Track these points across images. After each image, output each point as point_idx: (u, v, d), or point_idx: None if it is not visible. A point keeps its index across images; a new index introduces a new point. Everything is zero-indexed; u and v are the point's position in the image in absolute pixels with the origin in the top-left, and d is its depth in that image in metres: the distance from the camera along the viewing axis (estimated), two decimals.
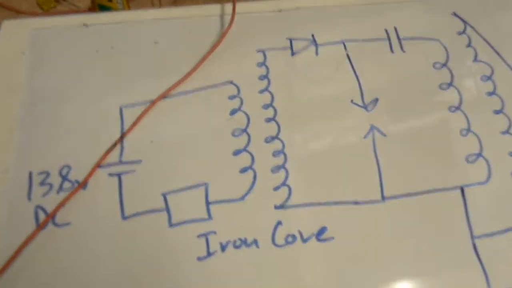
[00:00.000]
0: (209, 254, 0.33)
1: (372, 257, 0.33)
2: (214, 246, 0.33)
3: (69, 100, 0.38)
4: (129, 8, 0.79)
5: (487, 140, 0.38)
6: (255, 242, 0.33)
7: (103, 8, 0.76)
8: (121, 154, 0.36)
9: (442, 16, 0.45)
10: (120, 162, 0.36)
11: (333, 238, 0.34)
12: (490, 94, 0.41)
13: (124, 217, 0.34)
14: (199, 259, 0.32)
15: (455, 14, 0.45)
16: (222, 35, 0.41)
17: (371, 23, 0.44)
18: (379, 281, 0.33)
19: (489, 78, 0.42)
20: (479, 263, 0.34)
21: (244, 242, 0.33)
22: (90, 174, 0.35)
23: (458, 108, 0.40)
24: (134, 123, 0.37)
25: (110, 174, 0.35)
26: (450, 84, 0.41)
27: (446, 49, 0.43)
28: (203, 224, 0.34)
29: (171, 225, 0.33)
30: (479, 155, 0.38)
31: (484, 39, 0.44)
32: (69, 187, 0.35)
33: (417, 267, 0.33)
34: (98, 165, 0.35)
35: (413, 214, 0.35)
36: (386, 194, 0.36)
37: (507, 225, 0.35)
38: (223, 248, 0.33)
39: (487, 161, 0.38)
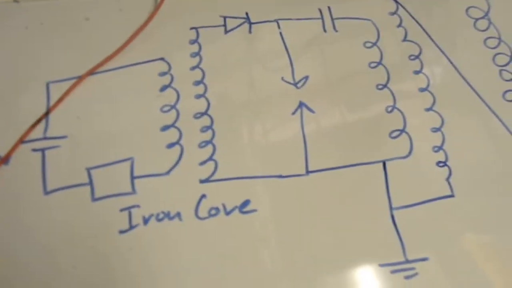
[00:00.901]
0: (131, 227, 0.33)
1: (294, 228, 0.34)
2: (137, 219, 0.33)
3: None
4: None
5: (411, 116, 0.40)
6: (178, 215, 0.34)
7: None
8: (45, 129, 0.36)
9: None
10: (45, 138, 0.35)
11: (256, 210, 0.34)
12: (417, 72, 0.42)
13: (46, 192, 0.33)
14: (120, 232, 0.33)
15: None
16: (154, 11, 0.41)
17: (305, 2, 0.44)
18: (299, 251, 0.34)
19: (417, 57, 0.43)
20: (396, 233, 0.35)
21: (167, 215, 0.33)
22: (12, 149, 0.34)
23: (385, 86, 0.41)
24: (60, 99, 0.37)
25: (34, 150, 0.35)
26: (379, 63, 0.42)
27: (377, 29, 0.44)
28: (127, 198, 0.34)
29: (94, 199, 0.33)
30: (402, 130, 0.39)
31: (414, 19, 0.45)
32: None
33: (337, 238, 0.35)
34: (21, 141, 0.35)
35: (335, 187, 0.36)
36: (310, 167, 0.37)
37: (425, 197, 0.36)
38: (145, 221, 0.33)
39: (409, 136, 0.39)
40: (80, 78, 0.38)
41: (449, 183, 0.37)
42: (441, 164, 0.38)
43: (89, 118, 0.37)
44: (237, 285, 0.32)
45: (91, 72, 0.38)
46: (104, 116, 0.37)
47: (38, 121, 0.36)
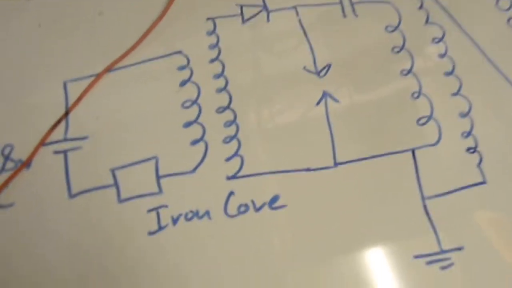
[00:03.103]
0: (160, 228, 0.32)
1: (325, 222, 0.34)
2: (165, 219, 0.32)
3: (9, 76, 0.36)
4: None
5: (438, 102, 0.39)
6: (207, 213, 0.33)
7: None
8: (66, 130, 0.35)
9: None
10: (65, 139, 0.34)
11: (285, 206, 0.34)
12: (441, 56, 0.41)
13: (71, 195, 0.33)
14: (150, 233, 0.32)
15: None
16: (169, 3, 0.40)
17: None
18: (332, 245, 0.33)
19: (440, 40, 0.42)
20: (430, 223, 0.34)
21: (196, 214, 0.33)
22: (33, 153, 0.34)
23: (409, 71, 0.40)
24: (79, 98, 0.36)
25: (55, 152, 0.34)
26: (402, 48, 0.41)
27: (398, 12, 0.42)
28: (154, 198, 0.33)
29: (120, 200, 0.33)
30: (430, 117, 0.38)
31: (436, 1, 0.43)
32: (12, 166, 0.33)
33: (369, 230, 0.34)
34: (42, 143, 0.34)
35: (365, 178, 0.35)
36: (338, 159, 0.36)
37: (456, 185, 0.36)
38: (174, 221, 0.32)
39: (437, 123, 0.38)
40: (97, 76, 0.37)
41: (480, 170, 0.36)
42: (471, 150, 0.37)
43: (109, 117, 0.36)
44: (272, 282, 0.31)
45: (108, 69, 0.37)
46: (124, 114, 0.36)
47: (58, 122, 0.35)
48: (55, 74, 0.37)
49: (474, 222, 0.35)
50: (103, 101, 0.36)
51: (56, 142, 0.34)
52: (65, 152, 0.34)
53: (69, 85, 0.36)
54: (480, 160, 0.37)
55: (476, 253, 0.33)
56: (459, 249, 0.34)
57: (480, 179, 0.36)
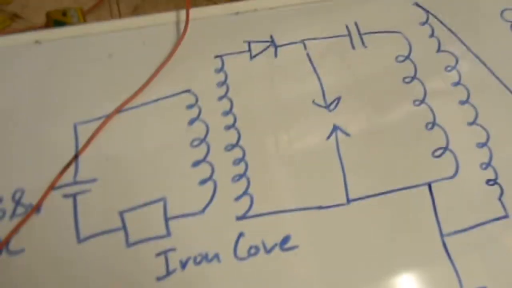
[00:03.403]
0: (168, 273, 0.31)
1: (340, 262, 0.32)
2: (174, 264, 0.32)
3: (20, 120, 0.37)
4: (85, 21, 0.77)
5: (454, 132, 0.37)
6: (216, 256, 0.32)
7: (57, 23, 0.74)
8: (75, 173, 0.35)
9: (404, 7, 0.44)
10: (75, 182, 0.34)
11: (297, 246, 0.33)
12: (455, 84, 0.40)
13: (79, 240, 0.32)
14: (158, 279, 0.31)
15: (416, 4, 0.44)
16: (177, 43, 0.40)
17: (331, 20, 0.43)
18: (348, 286, 0.32)
19: (453, 68, 0.41)
20: (450, 261, 0.33)
21: (205, 257, 0.32)
22: (43, 197, 0.34)
23: (422, 101, 0.39)
24: (88, 141, 0.36)
25: (65, 196, 0.34)
26: (414, 77, 0.40)
27: (408, 41, 0.42)
28: (162, 241, 0.32)
29: (128, 244, 0.32)
30: (446, 148, 0.37)
31: (447, 28, 0.42)
32: (22, 212, 0.33)
33: (386, 269, 0.32)
34: (52, 187, 0.34)
35: (380, 215, 0.34)
36: (351, 196, 0.35)
37: (477, 221, 0.34)
38: (183, 265, 0.32)
39: (454, 154, 0.37)
40: (107, 118, 0.37)
41: (501, 203, 0.35)
42: (491, 183, 0.36)
43: (118, 159, 0.36)
44: None
45: (118, 110, 0.37)
46: (133, 155, 0.36)
47: (68, 165, 0.35)
48: (66, 117, 0.37)
49: (497, 260, 0.33)
50: (112, 143, 0.36)
51: (66, 185, 0.34)
52: (74, 196, 0.34)
53: (79, 127, 0.37)
54: (502, 192, 0.35)
55: None
56: None
57: (502, 213, 0.34)
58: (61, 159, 0.35)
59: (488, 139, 0.37)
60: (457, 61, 0.41)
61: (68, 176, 0.35)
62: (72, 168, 0.35)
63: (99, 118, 0.37)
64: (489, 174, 0.36)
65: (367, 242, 0.33)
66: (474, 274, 0.32)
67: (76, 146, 0.36)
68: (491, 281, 0.32)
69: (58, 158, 0.35)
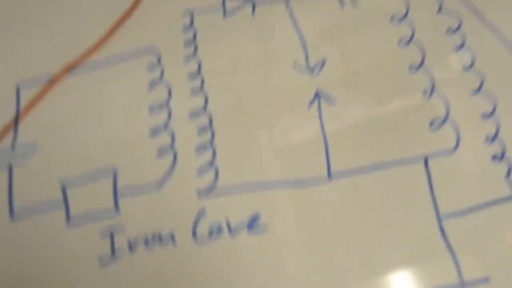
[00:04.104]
0: (113, 255, 0.27)
1: (316, 247, 0.28)
2: (121, 245, 0.27)
3: None
4: None
5: (455, 102, 0.32)
6: (171, 237, 0.27)
7: None
8: (14, 140, 0.30)
9: None
10: (12, 149, 0.30)
11: (267, 226, 0.28)
12: (458, 48, 0.35)
13: (12, 216, 0.28)
14: (101, 261, 0.26)
15: None
16: None
17: None
18: (324, 276, 0.27)
19: (456, 30, 0.35)
20: (448, 248, 0.28)
21: (158, 238, 0.27)
22: None
23: (419, 67, 0.34)
24: (31, 104, 0.31)
25: None
26: (411, 39, 0.35)
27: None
28: (109, 218, 0.28)
29: (69, 221, 0.27)
30: (445, 120, 0.32)
31: None
32: None
33: (371, 257, 0.28)
34: None
35: (366, 194, 0.29)
36: (333, 171, 0.30)
37: (480, 201, 0.29)
38: (131, 247, 0.27)
39: (454, 126, 0.32)
40: (54, 78, 0.32)
41: (509, 182, 0.30)
42: (497, 159, 0.31)
43: (64, 125, 0.31)
44: None
45: (68, 69, 0.32)
46: (82, 121, 0.31)
47: (5, 130, 0.30)
48: (8, 74, 0.32)
49: (503, 247, 0.28)
50: (59, 107, 0.31)
51: (1, 152, 0.29)
52: (9, 164, 0.29)
53: (22, 87, 0.32)
54: (509, 170, 0.30)
55: (506, 286, 0.27)
56: (484, 280, 0.27)
57: (509, 193, 0.29)
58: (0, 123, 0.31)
59: (494, 109, 0.32)
60: (461, 23, 0.36)
61: (5, 142, 0.30)
62: (10, 134, 0.30)
63: (48, 76, 0.32)
64: (495, 149, 0.31)
65: (349, 223, 0.28)
66: (476, 263, 0.27)
67: (18, 108, 0.31)
68: (494, 271, 0.27)
69: None
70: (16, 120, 0.31)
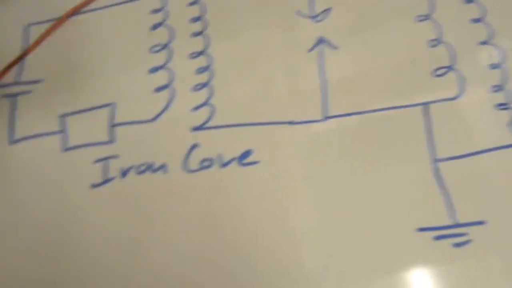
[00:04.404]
0: (105, 180, 0.27)
1: (305, 185, 0.27)
2: (114, 171, 0.28)
3: None
4: None
5: (462, 50, 0.31)
6: (163, 166, 0.28)
7: None
8: (19, 74, 0.31)
9: None
10: (17, 83, 0.31)
11: (258, 162, 0.28)
12: (468, 0, 0.34)
13: (11, 141, 0.29)
14: (93, 186, 0.27)
15: None
16: None
17: None
18: (313, 212, 0.27)
19: None
20: (443, 192, 0.27)
21: (149, 167, 0.28)
22: None
23: (427, 17, 0.33)
24: (37, 42, 0.32)
25: (4, 95, 0.30)
26: None
27: None
28: (104, 148, 0.28)
29: (65, 149, 0.28)
30: (451, 68, 0.31)
31: None
32: None
33: (362, 195, 0.27)
34: None
35: (361, 136, 0.29)
36: (329, 112, 0.29)
37: (479, 147, 0.28)
38: (123, 173, 0.27)
39: (460, 74, 0.31)
40: (60, 19, 0.33)
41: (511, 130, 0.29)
42: (502, 107, 0.29)
43: (67, 62, 0.32)
44: (231, 251, 0.26)
45: (74, 12, 0.33)
46: (84, 59, 0.32)
47: (11, 64, 0.31)
48: (18, 16, 0.33)
49: (501, 191, 0.27)
50: (63, 45, 0.32)
51: (7, 85, 0.31)
52: (14, 96, 0.30)
53: (32, 28, 0.33)
54: None
55: (501, 229, 0.26)
56: (479, 223, 0.26)
57: (511, 141, 0.28)
58: (8, 59, 0.32)
59: (504, 60, 0.31)
60: None
61: (10, 76, 0.31)
62: (16, 68, 0.31)
63: (54, 19, 0.33)
64: (500, 98, 0.30)
65: (342, 163, 0.28)
66: (473, 206, 0.26)
67: (25, 46, 0.32)
68: (491, 215, 0.26)
69: (5, 58, 0.32)
70: (23, 56, 0.32)
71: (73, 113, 0.29)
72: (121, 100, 0.30)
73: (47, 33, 0.32)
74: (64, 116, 0.29)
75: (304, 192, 0.27)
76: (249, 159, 0.28)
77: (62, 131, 0.29)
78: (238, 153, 0.28)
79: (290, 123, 0.29)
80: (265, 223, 0.26)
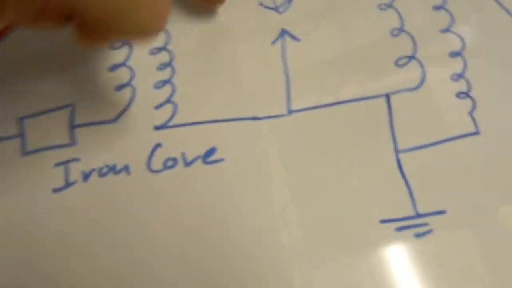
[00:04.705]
0: (67, 184, 0.27)
1: (271, 179, 0.27)
2: (75, 175, 0.27)
3: None
4: None
5: (423, 40, 0.32)
6: (125, 168, 0.27)
7: None
8: None
9: None
10: None
11: (223, 159, 0.28)
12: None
13: None
14: (54, 190, 0.27)
15: None
16: None
17: None
18: (276, 206, 0.27)
19: None
20: (404, 180, 0.27)
21: (112, 169, 0.27)
22: None
23: (389, 5, 0.33)
24: None
25: None
26: None
27: None
28: (64, 151, 0.28)
29: (24, 153, 0.28)
30: (412, 57, 0.31)
31: None
32: None
33: (326, 187, 0.27)
34: None
35: (325, 129, 0.29)
36: (293, 106, 0.29)
37: (440, 137, 0.29)
38: (85, 176, 0.27)
39: (420, 63, 0.31)
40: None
41: (472, 118, 0.29)
42: (462, 95, 0.30)
43: (22, 63, 0.30)
44: (199, 247, 0.26)
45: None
46: (42, 57, 0.31)
47: None
48: None
49: (461, 181, 0.27)
50: (18, 47, 0.31)
51: None
52: None
53: None
54: (474, 107, 0.30)
55: (461, 219, 0.26)
56: (440, 213, 0.27)
57: (472, 129, 0.29)
58: None
59: (463, 47, 0.32)
60: None
61: None
62: None
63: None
64: (461, 86, 0.30)
65: (306, 157, 0.28)
66: (433, 196, 0.27)
67: None
68: (452, 204, 0.27)
69: None
70: None
71: (30, 116, 0.29)
72: (80, 101, 0.29)
73: (4, 31, 0.31)
74: (22, 118, 0.28)
75: (270, 187, 0.27)
76: (214, 157, 0.28)
77: (20, 135, 0.28)
78: (202, 151, 0.28)
79: (254, 118, 0.29)
80: (231, 221, 0.26)
